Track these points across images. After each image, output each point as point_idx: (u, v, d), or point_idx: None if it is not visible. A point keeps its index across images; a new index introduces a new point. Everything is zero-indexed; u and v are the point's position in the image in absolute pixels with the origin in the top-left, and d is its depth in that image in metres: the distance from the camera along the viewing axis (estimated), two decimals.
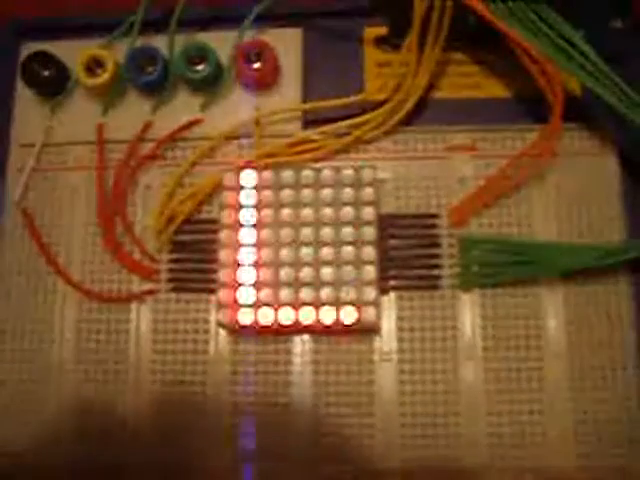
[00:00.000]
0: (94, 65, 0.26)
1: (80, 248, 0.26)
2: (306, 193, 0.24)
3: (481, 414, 0.24)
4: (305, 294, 0.23)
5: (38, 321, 0.26)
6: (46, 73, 0.27)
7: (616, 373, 0.24)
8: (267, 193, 0.24)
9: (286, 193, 0.24)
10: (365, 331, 0.24)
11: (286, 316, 0.23)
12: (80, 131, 0.27)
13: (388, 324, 0.24)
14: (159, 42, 0.27)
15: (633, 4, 0.26)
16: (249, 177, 0.25)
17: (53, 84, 0.27)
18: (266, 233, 0.24)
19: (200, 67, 0.26)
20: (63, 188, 0.27)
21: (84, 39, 0.28)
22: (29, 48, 0.28)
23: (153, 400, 0.25)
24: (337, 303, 0.23)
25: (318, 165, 0.25)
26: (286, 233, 0.24)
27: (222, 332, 0.25)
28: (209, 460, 0.24)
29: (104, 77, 0.26)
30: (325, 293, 0.23)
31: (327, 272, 0.24)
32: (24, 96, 0.28)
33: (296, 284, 0.24)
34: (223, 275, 0.24)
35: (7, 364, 0.25)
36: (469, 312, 0.25)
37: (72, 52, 0.27)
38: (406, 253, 0.25)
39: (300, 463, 0.24)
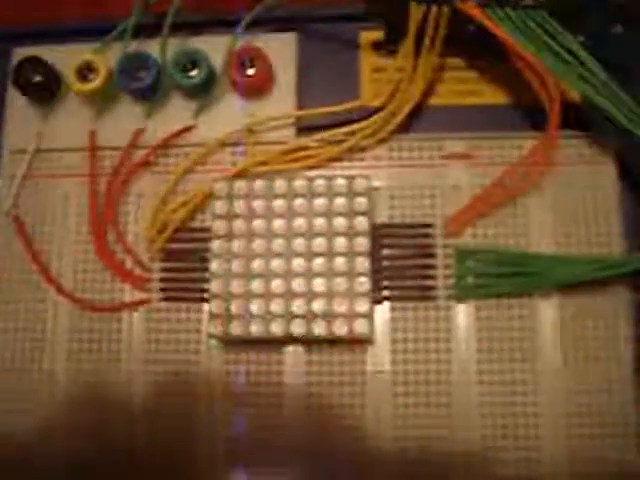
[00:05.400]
0: (86, 71, 0.26)
1: (72, 256, 0.26)
2: (299, 203, 0.24)
3: (475, 427, 0.23)
4: (297, 305, 0.23)
5: (29, 330, 0.25)
6: (37, 79, 0.26)
7: (612, 386, 0.24)
8: (259, 203, 0.24)
9: (278, 203, 0.24)
10: (358, 343, 0.24)
11: (278, 328, 0.23)
12: (72, 137, 0.27)
13: (381, 335, 0.24)
14: (152, 47, 0.26)
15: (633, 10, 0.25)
16: (241, 186, 0.24)
17: (45, 90, 0.27)
18: (258, 244, 0.24)
19: (193, 73, 0.26)
20: (55, 195, 0.26)
21: (75, 44, 0.27)
22: (20, 53, 0.27)
23: (145, 409, 0.24)
24: (329, 315, 0.23)
25: (311, 174, 0.25)
26: (278, 243, 0.24)
27: (214, 342, 0.25)
28: (201, 469, 0.24)
29: (96, 83, 0.26)
30: (317, 304, 0.23)
31: (319, 283, 0.23)
32: (15, 102, 0.27)
33: (288, 295, 0.23)
34: (214, 286, 0.23)
35: None
36: (464, 323, 0.24)
37: (63, 57, 0.27)
38: (400, 263, 0.25)
39: (291, 474, 0.24)
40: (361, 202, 0.24)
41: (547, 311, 0.24)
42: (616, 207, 0.25)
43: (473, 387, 0.24)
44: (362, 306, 0.23)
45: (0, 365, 0.25)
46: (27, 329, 0.25)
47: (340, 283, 0.23)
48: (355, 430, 0.24)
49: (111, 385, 0.25)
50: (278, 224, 0.24)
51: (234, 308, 0.23)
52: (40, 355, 0.25)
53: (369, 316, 0.23)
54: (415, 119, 0.26)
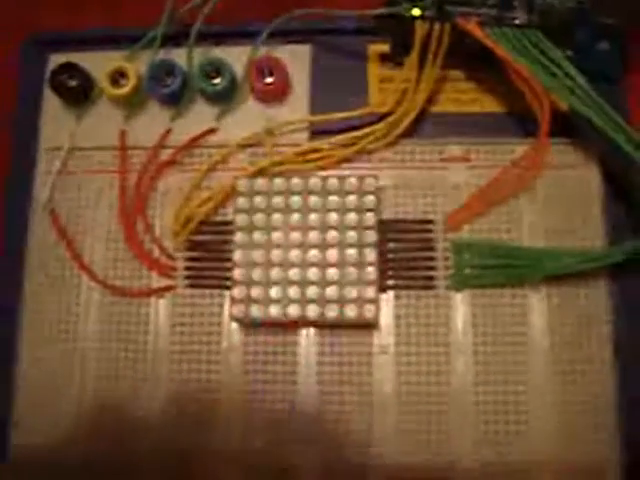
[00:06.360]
0: (118, 76, 0.28)
1: (103, 246, 0.28)
2: (313, 199, 0.26)
3: (470, 403, 0.26)
4: (311, 292, 0.25)
5: (63, 313, 0.28)
6: (73, 83, 0.29)
7: (594, 367, 0.26)
8: (278, 199, 0.26)
9: (295, 199, 0.26)
10: (365, 326, 0.26)
11: (294, 312, 0.25)
12: (103, 137, 0.29)
13: (386, 320, 0.27)
14: (178, 55, 0.29)
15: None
16: (262, 184, 0.27)
17: (79, 93, 0.29)
18: (276, 236, 0.26)
19: (216, 80, 0.28)
20: (88, 190, 0.29)
21: (105, 51, 0.30)
22: (55, 59, 0.30)
23: (170, 387, 0.27)
24: (340, 300, 0.25)
25: (324, 173, 0.27)
26: (295, 236, 0.26)
27: (234, 325, 0.27)
28: (222, 444, 0.26)
29: (127, 88, 0.28)
30: (329, 291, 0.25)
31: (332, 272, 0.26)
32: (51, 103, 0.29)
33: (303, 282, 0.26)
34: (237, 274, 0.26)
35: (34, 355, 0.27)
36: (461, 310, 0.27)
37: (94, 62, 0.29)
38: (404, 255, 0.27)
39: (303, 443, 0.26)
40: (369, 199, 0.26)
41: (536, 299, 0.27)
42: (599, 206, 0.27)
43: (469, 367, 0.26)
44: (369, 293, 0.25)
45: (35, 346, 0.27)
46: (61, 312, 0.28)
47: (350, 272, 0.26)
48: (361, 405, 0.26)
49: (139, 364, 0.27)
50: (295, 218, 0.26)
51: (254, 293, 0.26)
52: (73, 337, 0.27)
53: (376, 302, 0.26)
54: (419, 125, 0.28)
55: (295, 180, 0.27)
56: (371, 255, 0.26)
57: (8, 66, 0.30)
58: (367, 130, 0.28)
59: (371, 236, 0.26)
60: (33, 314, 0.28)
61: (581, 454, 0.26)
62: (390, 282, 0.27)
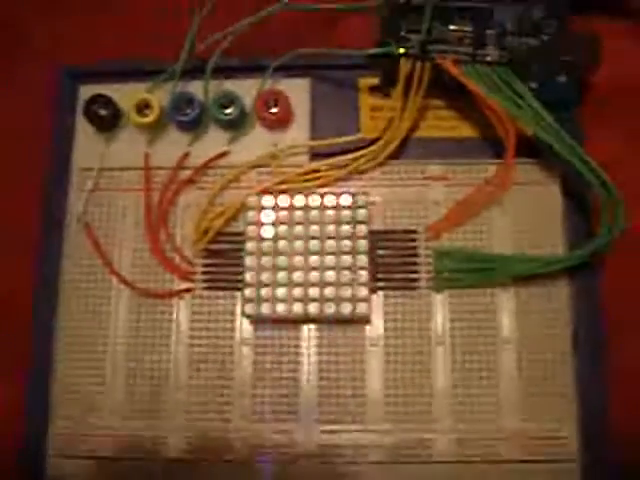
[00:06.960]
0: (143, 106, 0.32)
1: (131, 254, 0.32)
2: (313, 213, 0.30)
3: (448, 388, 0.30)
4: (312, 292, 0.29)
5: (96, 313, 0.31)
6: (103, 112, 0.33)
7: (556, 357, 0.30)
8: (283, 213, 0.30)
9: (297, 213, 0.30)
10: (358, 322, 0.30)
11: (297, 309, 0.29)
12: (130, 159, 0.33)
13: (376, 317, 0.30)
14: (195, 87, 0.33)
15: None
16: (269, 200, 0.31)
17: (109, 121, 0.33)
18: (282, 244, 0.30)
19: (228, 110, 0.32)
20: (117, 206, 0.32)
21: (129, 82, 0.33)
22: (85, 90, 0.33)
23: (189, 376, 0.31)
24: (337, 299, 0.29)
25: (323, 191, 0.31)
26: (298, 244, 0.30)
27: (246, 321, 0.31)
28: (235, 419, 0.30)
29: (151, 117, 0.32)
30: (328, 291, 0.29)
31: (329, 275, 0.30)
32: (83, 129, 0.33)
33: (305, 284, 0.30)
34: (248, 276, 0.30)
35: (70, 349, 0.31)
36: (441, 309, 0.30)
37: (120, 93, 0.33)
38: (391, 261, 0.31)
39: (304, 423, 0.30)
40: (361, 213, 0.30)
41: (505, 298, 0.30)
42: (559, 218, 0.31)
43: (447, 357, 0.30)
44: (362, 292, 0.29)
45: (72, 341, 0.31)
46: (94, 312, 0.32)
47: (345, 275, 0.30)
48: (355, 389, 0.30)
49: (162, 356, 0.31)
50: (298, 229, 0.30)
51: (264, 293, 0.30)
52: (104, 332, 0.31)
53: (367, 301, 0.30)
54: (404, 148, 0.32)
55: (297, 197, 0.31)
56: (363, 260, 0.30)
57: (42, 96, 0.34)
58: (359, 153, 0.31)
59: (363, 244, 0.30)
60: (68, 315, 0.31)
61: (544, 430, 0.29)
62: (380, 284, 0.31)
